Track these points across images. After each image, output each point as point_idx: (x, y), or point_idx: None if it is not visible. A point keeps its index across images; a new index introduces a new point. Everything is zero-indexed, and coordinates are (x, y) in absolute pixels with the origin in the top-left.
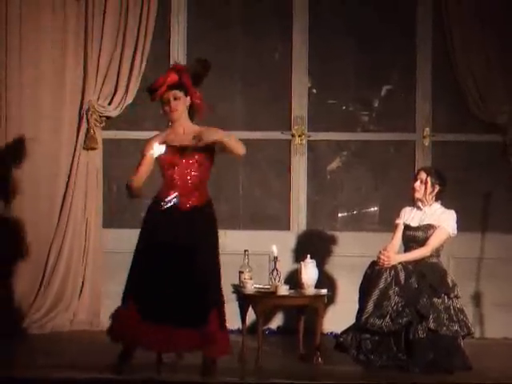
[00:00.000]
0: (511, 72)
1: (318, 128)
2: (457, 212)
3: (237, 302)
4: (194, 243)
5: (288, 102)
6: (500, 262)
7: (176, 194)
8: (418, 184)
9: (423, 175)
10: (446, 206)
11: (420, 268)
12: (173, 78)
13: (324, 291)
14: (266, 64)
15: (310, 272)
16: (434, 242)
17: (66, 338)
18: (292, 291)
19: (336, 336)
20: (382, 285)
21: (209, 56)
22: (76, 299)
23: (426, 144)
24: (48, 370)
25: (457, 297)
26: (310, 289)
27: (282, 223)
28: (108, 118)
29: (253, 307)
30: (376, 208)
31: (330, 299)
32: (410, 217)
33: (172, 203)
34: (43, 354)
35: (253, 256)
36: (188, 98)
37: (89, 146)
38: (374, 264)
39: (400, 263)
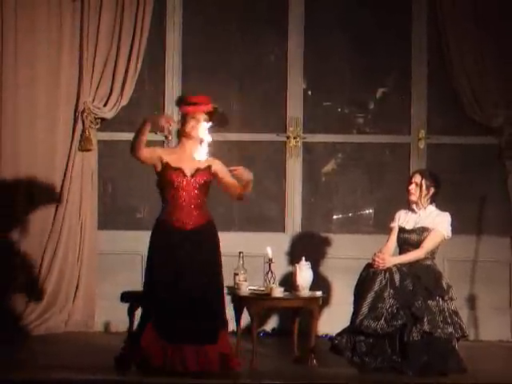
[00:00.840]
0: (506, 75)
1: (313, 130)
2: (452, 214)
3: (231, 304)
4: (203, 262)
5: (283, 104)
6: (495, 264)
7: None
8: (412, 187)
9: (418, 178)
10: (441, 208)
11: (415, 270)
12: (211, 107)
13: (319, 293)
14: (261, 66)
15: (304, 274)
16: (428, 244)
17: (60, 339)
18: (287, 293)
19: (331, 338)
20: (376, 287)
21: (205, 58)
22: (71, 300)
23: (421, 146)
24: (43, 371)
25: (451, 299)
26: (304, 291)
27: (277, 225)
28: (103, 119)
29: (247, 309)
30: (371, 210)
31: (325, 301)
32: (404, 219)
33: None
34: (38, 356)
35: (248, 258)
36: None
37: (84, 148)
38: (368, 266)
39: (395, 265)
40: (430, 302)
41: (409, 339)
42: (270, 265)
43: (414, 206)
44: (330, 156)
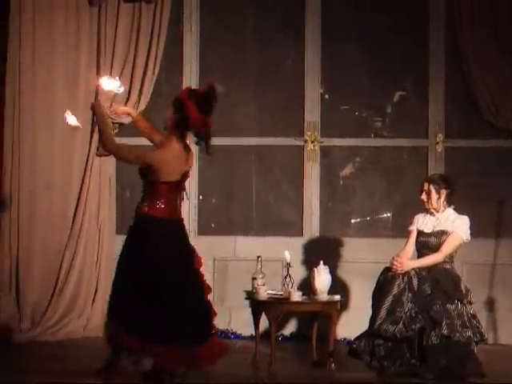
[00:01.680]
0: None
1: (330, 134)
2: (470, 218)
3: (250, 309)
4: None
5: (301, 108)
6: None
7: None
8: (424, 196)
9: (425, 185)
10: (459, 211)
11: (433, 274)
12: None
13: (337, 297)
14: (279, 70)
15: (323, 278)
16: (447, 247)
17: (79, 344)
18: (305, 297)
19: (349, 342)
20: (395, 291)
21: (222, 62)
22: (89, 305)
23: (439, 150)
24: (61, 375)
25: (470, 303)
26: (323, 295)
27: (295, 229)
28: (121, 124)
29: (266, 313)
30: (389, 214)
31: (343, 305)
32: (423, 223)
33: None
34: (57, 360)
35: (266, 262)
36: None
37: (101, 153)
38: (387, 270)
39: (413, 269)
40: (448, 305)
41: (427, 343)
42: (288, 269)
43: (433, 210)
44: (348, 160)
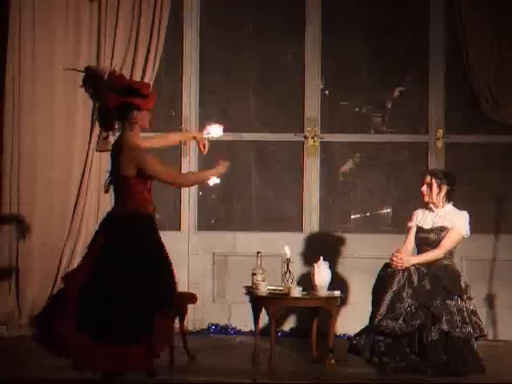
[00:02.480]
0: None
1: (330, 130)
2: (470, 213)
3: (250, 304)
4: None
5: (301, 104)
6: None
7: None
8: (424, 188)
9: (428, 178)
10: (459, 207)
11: (433, 270)
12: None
13: (337, 293)
14: (278, 66)
15: (322, 274)
16: (447, 243)
17: None
18: (305, 293)
19: (349, 338)
20: (395, 287)
21: (221, 58)
22: None
23: (439, 146)
24: (58, 370)
25: (470, 298)
26: (322, 290)
27: (295, 225)
28: None
29: (266, 309)
30: (389, 210)
31: (343, 301)
32: (422, 219)
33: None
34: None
35: (266, 258)
36: None
37: (101, 149)
38: (387, 266)
39: (413, 265)
40: (448, 301)
41: (427, 339)
42: (288, 264)
43: (432, 206)
44: (348, 156)
